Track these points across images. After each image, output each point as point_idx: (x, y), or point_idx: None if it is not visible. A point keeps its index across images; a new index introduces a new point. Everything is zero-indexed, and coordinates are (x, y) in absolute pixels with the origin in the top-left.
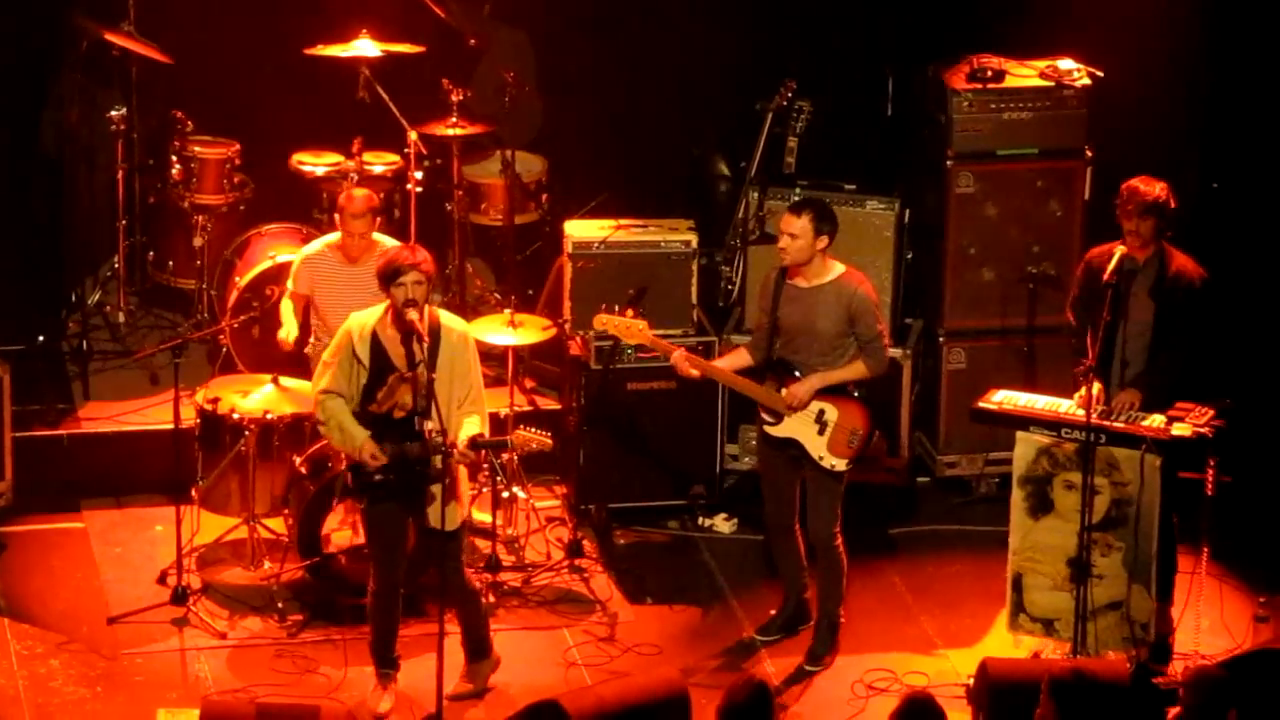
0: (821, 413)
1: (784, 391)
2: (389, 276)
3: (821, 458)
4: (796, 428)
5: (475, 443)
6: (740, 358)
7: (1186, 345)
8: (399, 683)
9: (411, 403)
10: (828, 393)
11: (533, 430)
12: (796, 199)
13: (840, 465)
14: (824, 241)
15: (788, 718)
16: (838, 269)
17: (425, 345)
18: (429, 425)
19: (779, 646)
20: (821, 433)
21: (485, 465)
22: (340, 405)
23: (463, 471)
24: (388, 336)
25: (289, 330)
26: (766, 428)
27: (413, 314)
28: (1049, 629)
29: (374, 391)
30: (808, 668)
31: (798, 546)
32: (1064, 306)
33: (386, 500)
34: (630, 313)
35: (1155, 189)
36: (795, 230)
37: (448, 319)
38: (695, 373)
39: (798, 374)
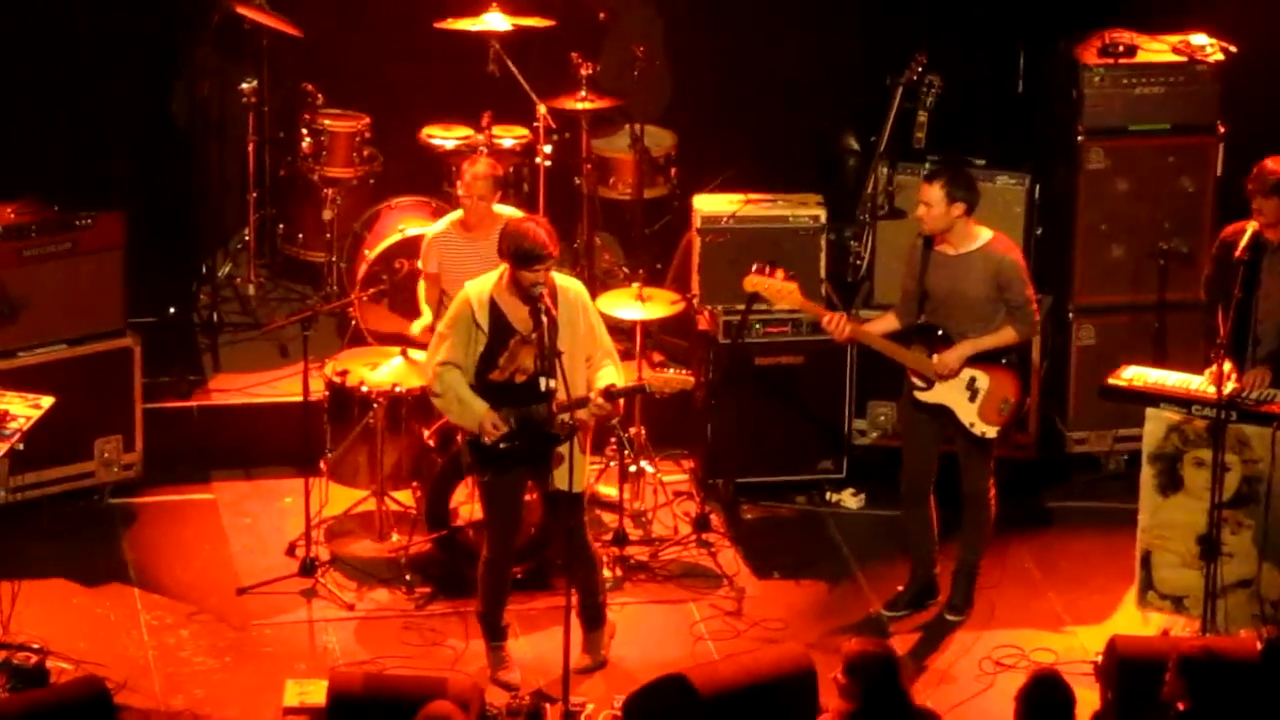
0: (973, 380)
1: (935, 358)
2: (524, 258)
3: (973, 424)
4: (947, 394)
5: (610, 392)
6: (888, 322)
7: None
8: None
9: (534, 366)
10: (978, 360)
11: (669, 370)
12: (928, 170)
13: (991, 432)
14: (960, 209)
15: (916, 692)
16: (985, 235)
17: (551, 315)
18: (552, 384)
19: (906, 624)
20: (973, 400)
21: (613, 440)
22: (458, 377)
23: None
24: (506, 301)
25: (422, 321)
26: (917, 393)
27: (540, 290)
28: (1178, 606)
29: (495, 357)
30: (949, 617)
31: (931, 518)
32: (1194, 283)
33: (510, 469)
34: (781, 274)
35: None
36: (930, 199)
37: (561, 280)
38: (846, 335)
39: (948, 340)
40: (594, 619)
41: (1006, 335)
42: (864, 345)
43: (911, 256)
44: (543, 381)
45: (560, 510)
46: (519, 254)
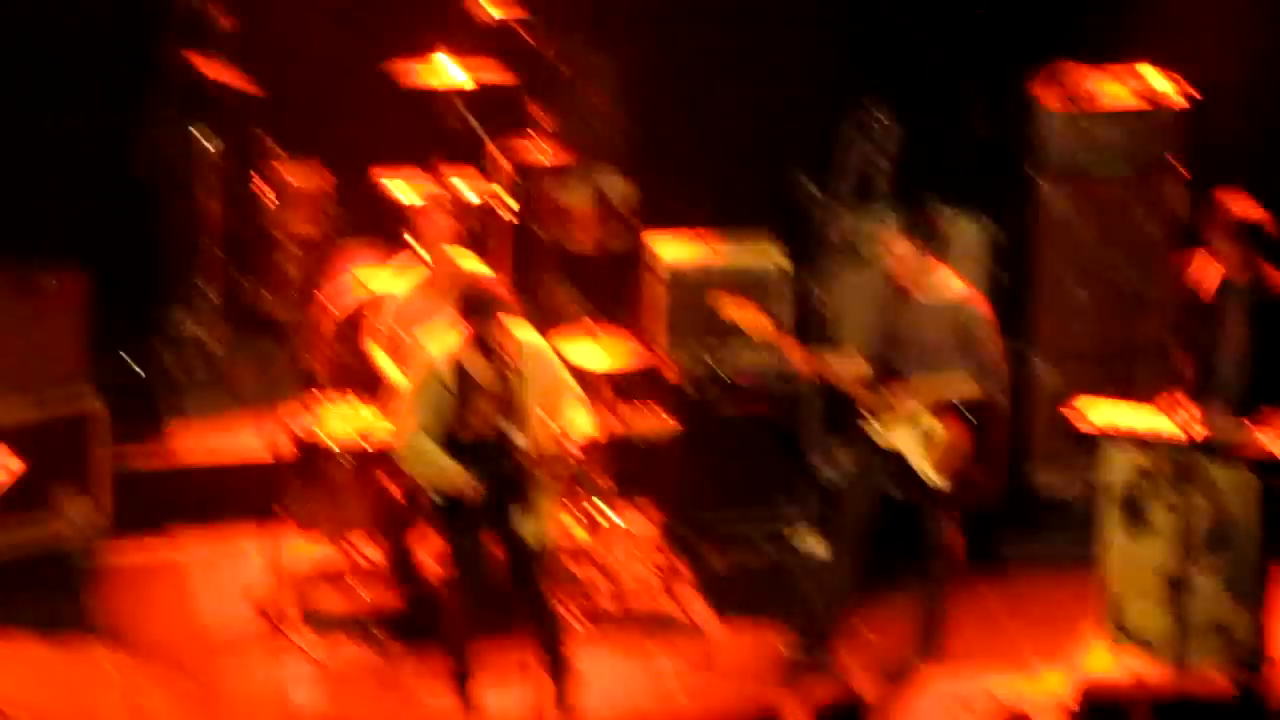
0: (928, 428)
1: (894, 401)
2: (485, 311)
3: (924, 472)
4: (902, 439)
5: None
6: (853, 360)
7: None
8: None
9: (502, 418)
10: (937, 409)
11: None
12: (894, 220)
13: (942, 482)
14: (928, 263)
15: None
16: (956, 287)
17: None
18: (519, 436)
19: (877, 668)
20: (926, 448)
21: (580, 490)
22: (427, 441)
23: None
24: (469, 359)
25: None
26: (873, 436)
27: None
28: (1148, 647)
29: (462, 413)
30: (919, 663)
31: (859, 563)
32: (1158, 325)
33: (479, 526)
34: (754, 308)
35: (1245, 211)
36: (896, 250)
37: (520, 332)
38: (809, 369)
39: (907, 384)
40: (561, 669)
41: (968, 388)
42: (828, 384)
43: (877, 300)
44: (514, 435)
45: (523, 565)
46: (479, 307)
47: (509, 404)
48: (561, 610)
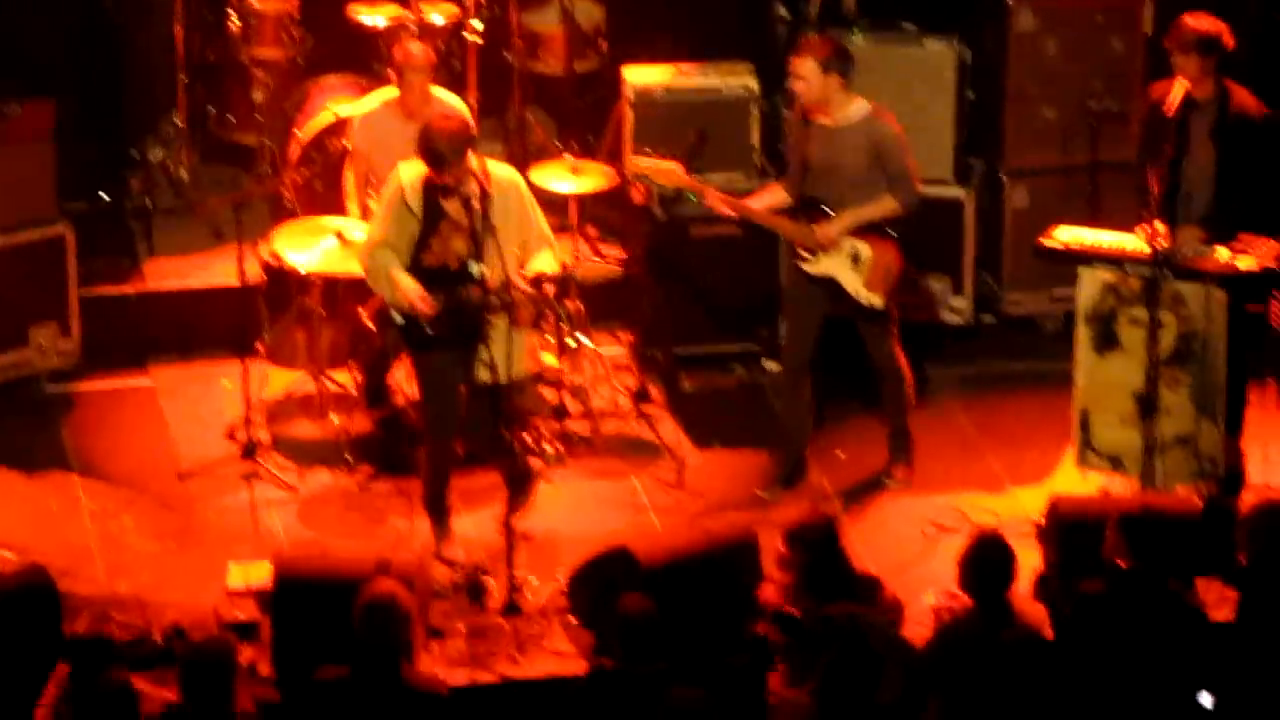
0: (855, 250)
1: (816, 229)
2: (436, 161)
3: (858, 293)
4: (832, 265)
5: (539, 279)
6: (774, 194)
7: (1250, 183)
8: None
9: (466, 250)
10: (860, 231)
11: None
12: (801, 41)
13: (877, 301)
14: (835, 80)
15: (857, 557)
16: (864, 107)
17: (481, 197)
18: (482, 269)
19: (847, 490)
20: (857, 269)
21: (551, 314)
22: (390, 256)
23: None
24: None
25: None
26: (802, 264)
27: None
28: (1117, 465)
29: (427, 241)
30: (888, 481)
31: (808, 393)
32: (1126, 143)
33: (442, 350)
34: (663, 153)
35: (1203, 25)
36: (803, 73)
37: (495, 167)
38: (729, 211)
39: (828, 212)
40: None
41: (887, 206)
42: (751, 219)
43: (791, 128)
44: (473, 267)
45: (490, 400)
46: (431, 156)
47: (474, 235)
48: (527, 439)
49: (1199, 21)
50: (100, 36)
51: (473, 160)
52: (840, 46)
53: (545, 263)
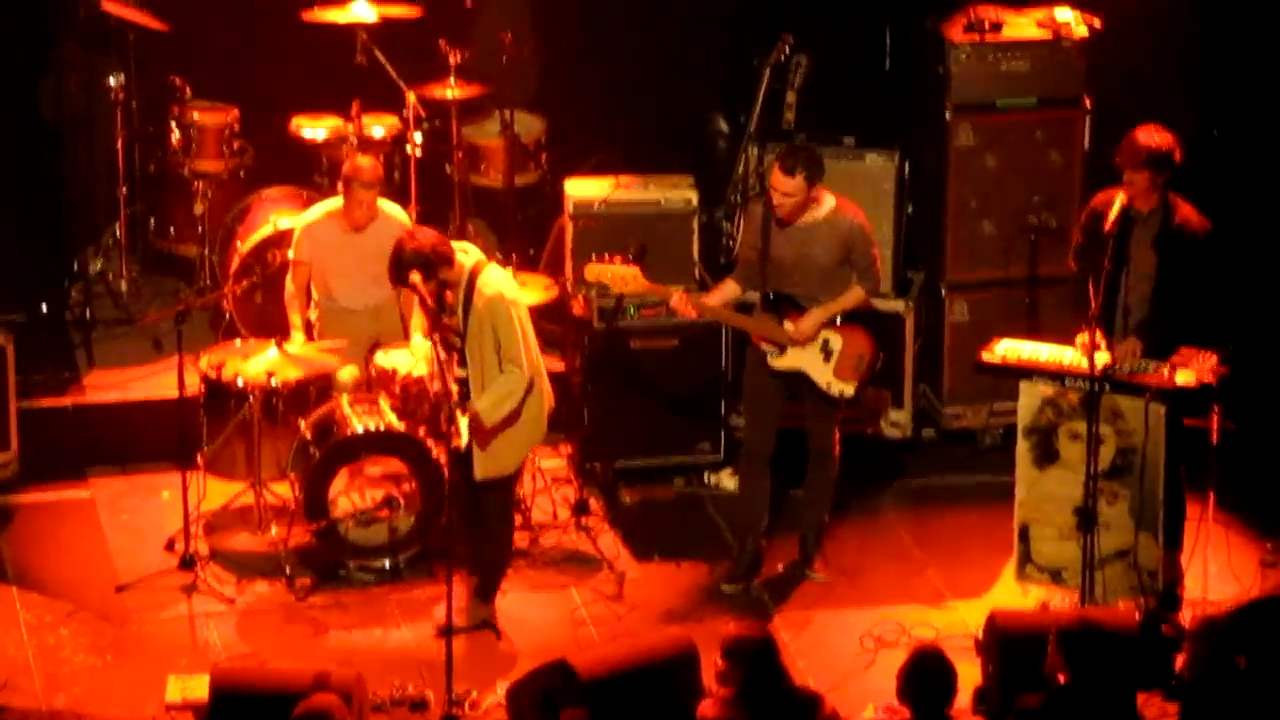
0: (826, 342)
1: (788, 325)
2: (444, 260)
3: (829, 385)
4: (802, 358)
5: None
6: (729, 290)
7: (1190, 296)
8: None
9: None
10: (827, 321)
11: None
12: (781, 159)
13: (849, 390)
14: (817, 189)
15: (797, 671)
16: (829, 203)
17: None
18: (458, 374)
19: (785, 602)
20: (828, 360)
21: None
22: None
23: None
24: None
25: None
26: (770, 360)
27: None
28: (1057, 579)
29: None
30: (813, 576)
31: (768, 485)
32: (1065, 257)
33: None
34: (619, 259)
35: (1155, 140)
36: (790, 190)
37: (483, 280)
38: (694, 313)
39: (799, 306)
40: (484, 590)
41: (856, 296)
42: (716, 320)
43: (750, 224)
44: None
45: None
46: (438, 259)
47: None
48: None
49: (1150, 137)
50: (41, 147)
51: (467, 269)
52: (817, 156)
53: (483, 398)
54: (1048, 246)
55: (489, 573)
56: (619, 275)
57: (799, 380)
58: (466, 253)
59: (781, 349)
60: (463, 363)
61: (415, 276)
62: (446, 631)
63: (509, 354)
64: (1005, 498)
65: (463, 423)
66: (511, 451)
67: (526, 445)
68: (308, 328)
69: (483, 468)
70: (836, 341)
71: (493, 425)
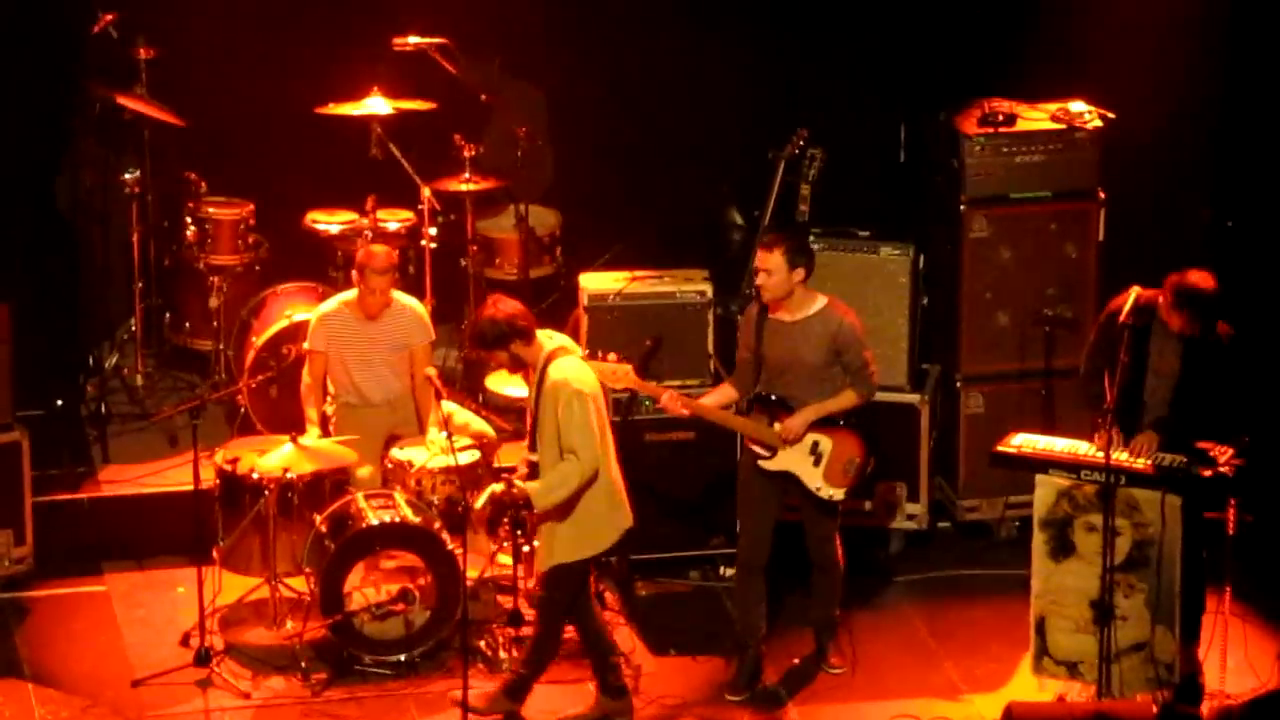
0: (816, 444)
1: (777, 426)
2: (523, 333)
3: (819, 489)
4: (792, 461)
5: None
6: (725, 394)
7: (1212, 399)
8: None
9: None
10: (819, 424)
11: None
12: (764, 232)
13: (838, 495)
14: (800, 274)
15: None
16: (820, 301)
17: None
18: (529, 458)
19: (801, 694)
20: (817, 464)
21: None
22: None
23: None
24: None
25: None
26: (760, 462)
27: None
28: (1073, 671)
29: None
30: (831, 670)
31: (763, 591)
32: (1080, 349)
33: None
34: (614, 357)
35: (1200, 286)
36: (769, 266)
37: (555, 365)
38: (685, 412)
39: (788, 407)
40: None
41: (847, 399)
42: (709, 420)
43: (746, 325)
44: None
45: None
46: (513, 332)
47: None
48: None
49: (1202, 281)
50: (57, 242)
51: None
52: (804, 241)
53: (534, 485)
54: (1063, 338)
55: (526, 673)
56: (612, 371)
57: (790, 483)
58: (551, 338)
59: (772, 451)
60: (532, 447)
61: (488, 344)
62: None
63: (567, 442)
64: (1021, 590)
65: (484, 494)
66: (570, 547)
67: (588, 545)
68: (323, 421)
69: (539, 560)
70: (826, 445)
71: (543, 510)
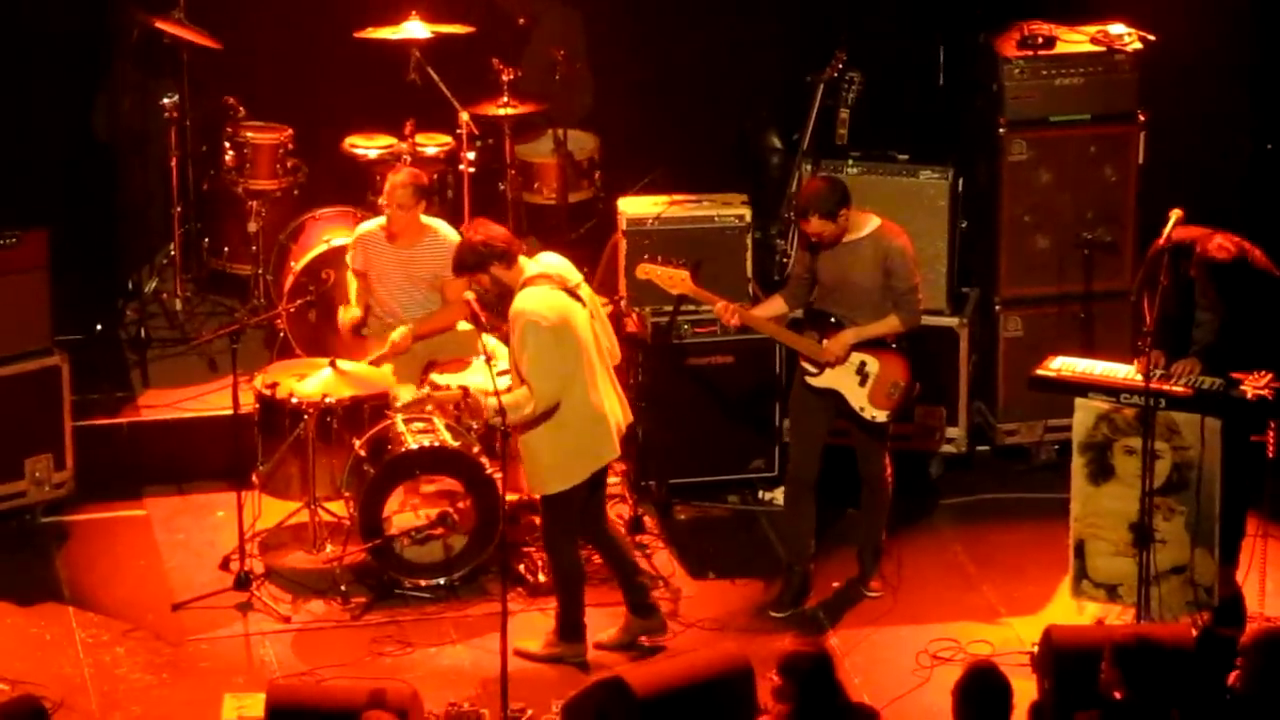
0: (863, 364)
1: (824, 343)
2: (504, 256)
3: (863, 409)
4: (838, 379)
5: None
6: (775, 305)
7: (1258, 331)
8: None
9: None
10: (868, 345)
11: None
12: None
13: (881, 416)
14: (843, 215)
15: (853, 688)
16: (873, 222)
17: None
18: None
19: (840, 619)
20: (863, 384)
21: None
22: None
23: (539, 441)
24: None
25: (350, 312)
26: (808, 378)
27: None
28: (1112, 595)
29: None
30: (868, 592)
31: (812, 510)
32: (1119, 272)
33: None
34: (673, 262)
35: (1219, 257)
36: (812, 231)
37: (521, 294)
38: (736, 321)
39: (838, 325)
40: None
41: (891, 323)
42: (759, 331)
43: (802, 243)
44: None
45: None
46: (490, 255)
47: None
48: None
49: (1214, 254)
50: (95, 167)
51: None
52: (833, 189)
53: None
54: (1102, 262)
55: (562, 609)
56: (669, 276)
57: (836, 401)
58: (536, 264)
59: (820, 368)
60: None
61: (467, 269)
62: (503, 651)
63: (522, 371)
64: (1060, 514)
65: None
66: (550, 477)
67: (566, 476)
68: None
69: (527, 482)
70: (873, 366)
71: (509, 427)
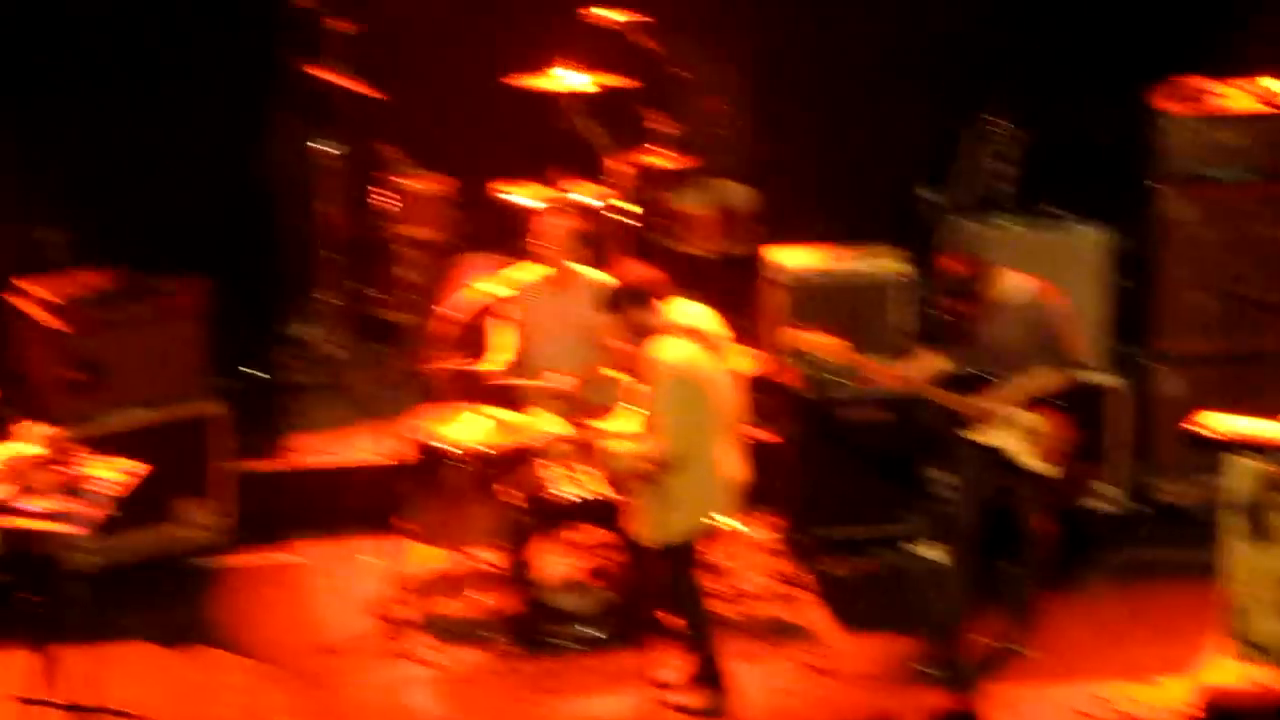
0: (1026, 421)
1: (984, 402)
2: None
3: (1026, 465)
4: (1001, 435)
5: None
6: (935, 363)
7: None
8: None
9: None
10: (1030, 403)
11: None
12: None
13: (1044, 472)
14: (980, 289)
15: None
16: (1030, 285)
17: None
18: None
19: (994, 674)
20: (1026, 441)
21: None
22: None
23: (664, 492)
24: None
25: (498, 359)
26: (972, 434)
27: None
28: (1272, 658)
29: None
30: (1021, 650)
31: (971, 566)
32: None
33: None
34: (818, 329)
35: None
36: (957, 311)
37: (659, 345)
38: (897, 385)
39: (995, 384)
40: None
41: (1049, 379)
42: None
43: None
44: None
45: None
46: (632, 298)
47: None
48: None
49: None
50: (256, 215)
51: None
52: (965, 270)
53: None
54: (1263, 320)
55: (698, 657)
56: (827, 345)
57: (1000, 458)
58: (680, 312)
59: (984, 425)
60: None
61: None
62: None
63: (652, 419)
64: (1218, 574)
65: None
66: (663, 525)
67: (685, 527)
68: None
69: (645, 532)
70: (1036, 423)
71: (616, 469)
